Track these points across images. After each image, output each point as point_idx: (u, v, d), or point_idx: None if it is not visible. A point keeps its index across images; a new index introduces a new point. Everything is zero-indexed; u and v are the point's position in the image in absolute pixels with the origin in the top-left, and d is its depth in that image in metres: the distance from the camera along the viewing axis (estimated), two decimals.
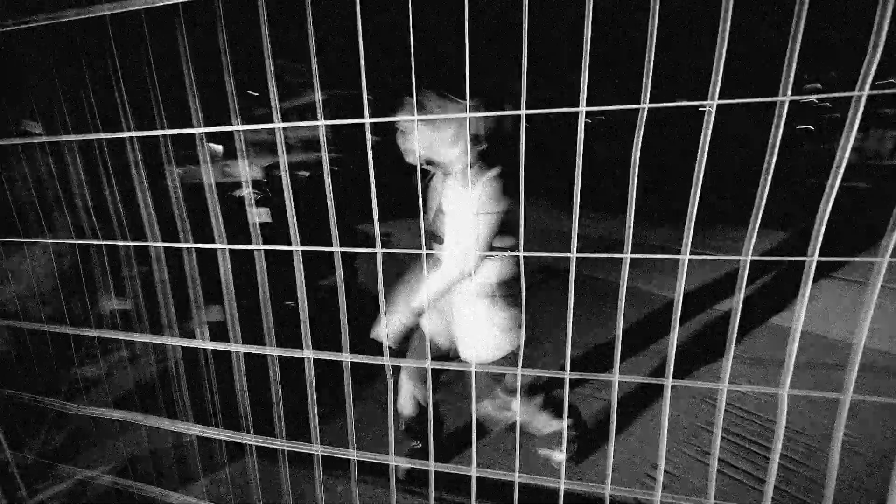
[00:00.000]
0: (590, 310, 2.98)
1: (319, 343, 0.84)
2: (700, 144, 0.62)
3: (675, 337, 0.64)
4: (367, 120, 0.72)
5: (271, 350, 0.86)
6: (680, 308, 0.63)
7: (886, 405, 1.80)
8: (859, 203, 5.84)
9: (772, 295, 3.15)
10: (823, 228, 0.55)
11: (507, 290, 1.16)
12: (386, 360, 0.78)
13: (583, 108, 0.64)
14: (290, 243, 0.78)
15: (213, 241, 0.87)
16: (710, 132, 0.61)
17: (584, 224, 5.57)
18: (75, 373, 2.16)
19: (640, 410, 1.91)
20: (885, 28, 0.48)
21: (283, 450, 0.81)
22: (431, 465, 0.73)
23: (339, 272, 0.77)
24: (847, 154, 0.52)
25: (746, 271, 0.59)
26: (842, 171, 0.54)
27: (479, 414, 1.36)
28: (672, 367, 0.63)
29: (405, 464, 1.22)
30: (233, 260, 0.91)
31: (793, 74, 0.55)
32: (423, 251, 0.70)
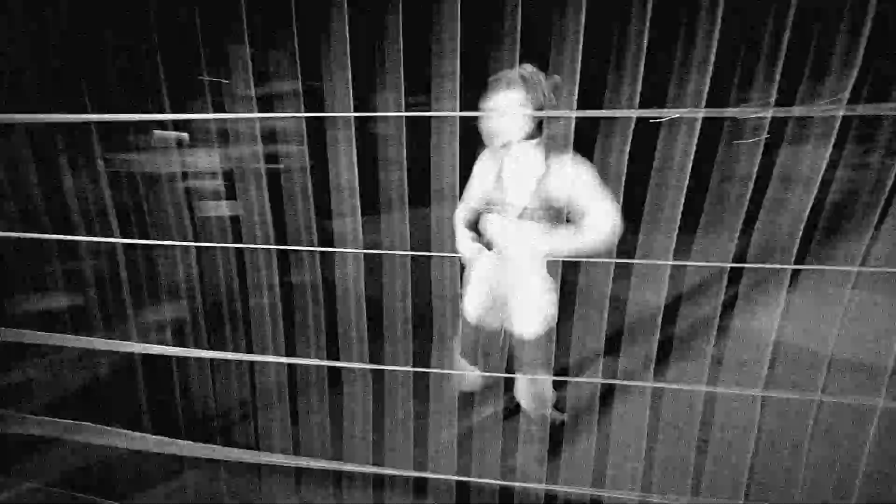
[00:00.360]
0: (575, 314, 3.01)
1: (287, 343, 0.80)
2: (684, 152, 0.64)
3: (657, 340, 0.66)
4: (352, 114, 0.69)
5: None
6: (661, 312, 0.64)
7: (841, 404, 1.92)
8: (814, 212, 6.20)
9: (731, 298, 3.30)
10: (799, 239, 0.57)
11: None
12: (361, 365, 0.76)
13: (574, 113, 0.64)
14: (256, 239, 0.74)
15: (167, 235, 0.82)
16: (695, 140, 0.62)
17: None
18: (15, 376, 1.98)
19: (601, 410, 1.96)
20: (862, 50, 0.50)
21: (260, 463, 0.78)
22: (411, 473, 0.71)
23: (318, 274, 0.74)
24: (823, 167, 0.54)
25: (726, 277, 0.60)
26: (816, 184, 0.56)
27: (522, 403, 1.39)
28: (652, 370, 0.64)
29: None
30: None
31: (774, 89, 0.57)
32: (409, 252, 0.69)
